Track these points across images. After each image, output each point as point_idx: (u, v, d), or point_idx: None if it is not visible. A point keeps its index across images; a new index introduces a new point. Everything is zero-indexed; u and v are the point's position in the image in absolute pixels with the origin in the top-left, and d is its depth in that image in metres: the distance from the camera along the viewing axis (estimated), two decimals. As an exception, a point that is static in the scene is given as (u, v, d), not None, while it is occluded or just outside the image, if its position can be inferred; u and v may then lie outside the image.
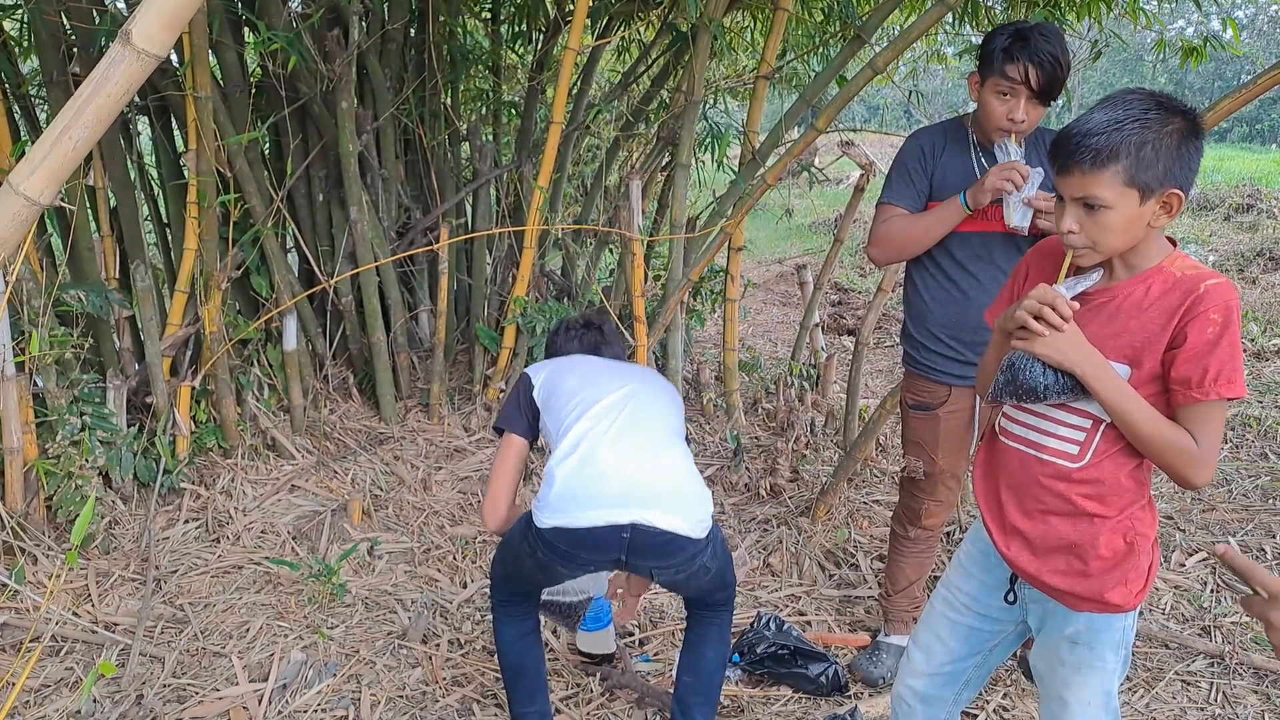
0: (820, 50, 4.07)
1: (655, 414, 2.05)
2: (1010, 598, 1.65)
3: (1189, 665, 2.66)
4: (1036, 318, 1.43)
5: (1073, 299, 1.44)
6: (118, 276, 3.48)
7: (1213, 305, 1.37)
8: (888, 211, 2.33)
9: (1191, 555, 3.26)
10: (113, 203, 3.45)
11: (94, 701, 2.30)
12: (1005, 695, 2.51)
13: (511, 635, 2.16)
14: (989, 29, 3.32)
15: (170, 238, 3.85)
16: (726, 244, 3.68)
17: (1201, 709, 2.49)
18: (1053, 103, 2.16)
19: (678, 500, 1.89)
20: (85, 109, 1.46)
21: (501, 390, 4.04)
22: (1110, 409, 1.44)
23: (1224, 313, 1.37)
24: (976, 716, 2.41)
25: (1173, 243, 1.49)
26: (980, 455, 1.69)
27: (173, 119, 3.65)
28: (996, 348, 1.62)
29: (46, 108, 3.46)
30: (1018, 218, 2.15)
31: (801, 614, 2.91)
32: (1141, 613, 2.84)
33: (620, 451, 1.92)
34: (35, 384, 2.93)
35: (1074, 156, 1.39)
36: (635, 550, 1.88)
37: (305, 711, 2.33)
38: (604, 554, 1.91)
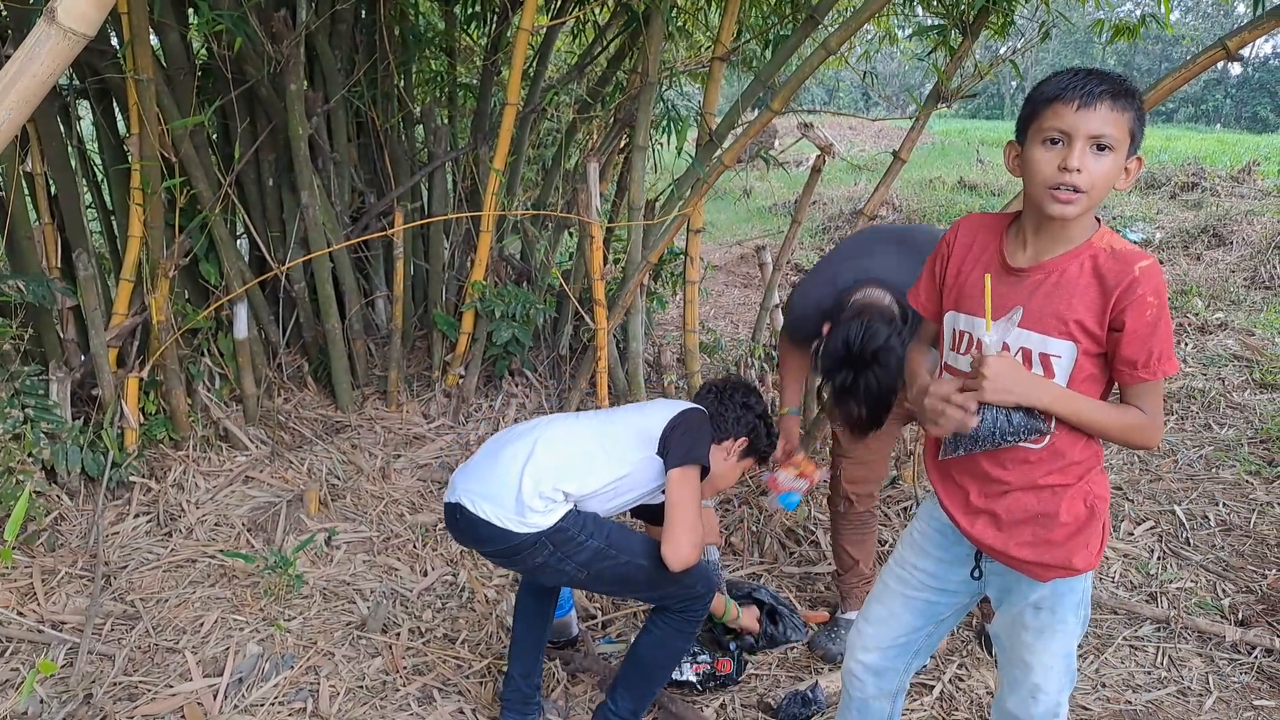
0: (776, 31, 4.06)
1: (556, 431, 2.10)
2: (976, 574, 1.67)
3: (1136, 630, 2.73)
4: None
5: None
6: (60, 265, 3.38)
7: (1148, 289, 1.41)
8: None
9: (1140, 524, 3.35)
10: (53, 189, 3.34)
11: (41, 702, 2.24)
12: (960, 665, 2.55)
13: (518, 597, 2.32)
14: (939, 10, 3.35)
15: (115, 225, 3.75)
16: (685, 226, 3.67)
17: (1148, 672, 2.56)
18: None
19: (491, 491, 2.00)
20: (8, 91, 1.41)
21: (461, 376, 4.01)
22: (1074, 422, 1.49)
23: (1158, 295, 1.42)
24: (933, 687, 2.45)
25: (1097, 220, 1.52)
26: (929, 442, 1.70)
27: (114, 102, 3.55)
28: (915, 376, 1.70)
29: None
30: None
31: (762, 593, 2.93)
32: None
33: (488, 449, 2.11)
34: (-27, 377, 2.84)
35: (1100, 90, 1.39)
36: (460, 529, 2.06)
37: (262, 705, 2.29)
38: (452, 528, 2.10)
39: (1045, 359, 1.49)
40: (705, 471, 2.10)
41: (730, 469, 2.28)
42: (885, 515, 3.35)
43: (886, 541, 3.12)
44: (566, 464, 2.03)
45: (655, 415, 2.13)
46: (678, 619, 2.12)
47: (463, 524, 2.03)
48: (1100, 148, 1.41)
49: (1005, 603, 1.68)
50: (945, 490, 1.65)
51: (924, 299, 1.70)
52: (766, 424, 2.30)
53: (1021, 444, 1.52)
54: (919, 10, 3.90)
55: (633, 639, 2.22)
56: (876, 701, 1.85)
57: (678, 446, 2.05)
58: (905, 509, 3.41)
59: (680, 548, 1.97)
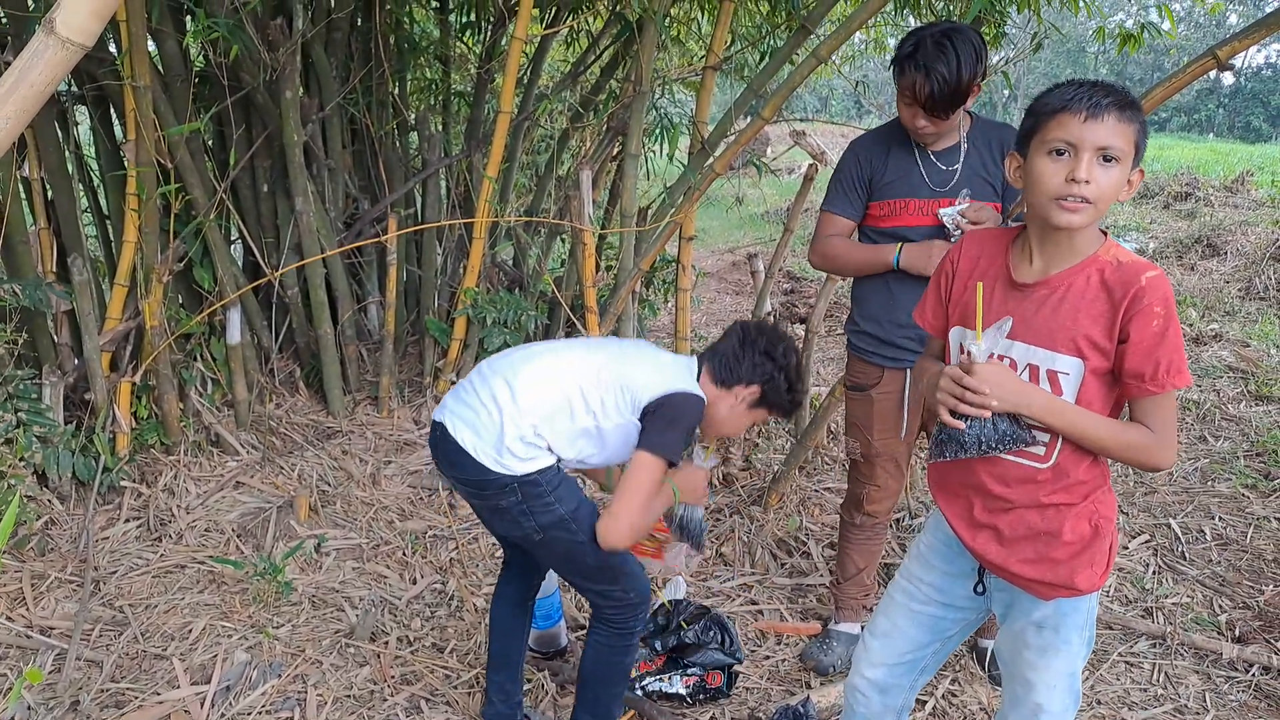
0: (768, 40, 4.08)
1: (544, 364, 2.00)
2: (979, 589, 1.65)
3: (1132, 646, 2.72)
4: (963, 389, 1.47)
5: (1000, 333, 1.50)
6: (55, 270, 3.37)
7: (1155, 299, 1.39)
8: (828, 221, 2.44)
9: (1135, 538, 3.35)
10: (49, 194, 3.34)
11: (28, 709, 2.23)
12: (954, 681, 2.55)
13: (495, 594, 2.25)
14: (931, 20, 3.36)
15: (110, 230, 3.75)
16: (677, 233, 3.67)
17: (1144, 689, 2.54)
18: (950, 114, 2.14)
19: (475, 421, 1.93)
20: (6, 100, 1.41)
21: (452, 382, 4.00)
22: (1067, 434, 1.46)
23: (1165, 305, 1.40)
24: (925, 703, 2.44)
25: (1103, 233, 1.51)
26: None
27: (112, 109, 3.55)
28: (924, 373, 1.68)
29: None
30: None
31: (754, 603, 2.93)
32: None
33: (482, 370, 2.04)
34: (-36, 382, 2.83)
35: (1106, 102, 1.39)
36: (438, 449, 2.00)
37: (249, 713, 2.28)
38: (433, 447, 2.04)
39: (1053, 375, 1.47)
40: (672, 466, 1.98)
41: (735, 417, 2.07)
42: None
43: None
44: (546, 406, 1.92)
45: (653, 377, 1.97)
46: (609, 632, 2.06)
47: (441, 445, 1.97)
48: (1107, 159, 1.40)
49: (1008, 619, 1.66)
50: (949, 503, 1.63)
51: (930, 316, 1.68)
52: (788, 378, 2.06)
53: (1006, 455, 1.50)
54: (910, 19, 3.92)
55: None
56: (881, 718, 1.83)
57: (654, 429, 1.91)
58: (898, 520, 3.41)
59: (617, 526, 1.86)
